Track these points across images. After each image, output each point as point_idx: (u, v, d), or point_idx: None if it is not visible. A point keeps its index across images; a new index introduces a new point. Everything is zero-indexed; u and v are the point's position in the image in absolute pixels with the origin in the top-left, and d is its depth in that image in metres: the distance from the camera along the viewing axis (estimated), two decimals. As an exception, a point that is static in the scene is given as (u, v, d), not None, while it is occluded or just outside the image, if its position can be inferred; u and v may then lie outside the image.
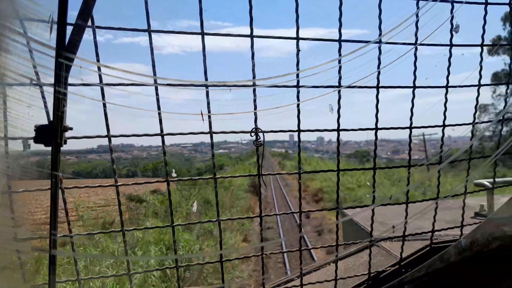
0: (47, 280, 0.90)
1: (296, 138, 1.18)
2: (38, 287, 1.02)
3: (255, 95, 1.01)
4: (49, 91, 0.87)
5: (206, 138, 1.11)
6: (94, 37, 0.92)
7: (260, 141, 1.10)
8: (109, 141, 1.02)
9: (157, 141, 1.09)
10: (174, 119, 0.95)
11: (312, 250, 11.55)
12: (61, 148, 0.85)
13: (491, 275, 1.23)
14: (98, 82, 0.93)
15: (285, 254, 11.83)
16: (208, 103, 0.98)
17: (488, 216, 1.41)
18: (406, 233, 1.34)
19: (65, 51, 0.76)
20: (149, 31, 0.95)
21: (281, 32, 1.04)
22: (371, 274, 1.35)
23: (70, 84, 0.87)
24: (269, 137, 1.13)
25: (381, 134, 1.22)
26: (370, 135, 1.25)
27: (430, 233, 1.41)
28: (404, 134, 1.28)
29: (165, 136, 1.05)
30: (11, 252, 0.95)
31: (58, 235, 0.91)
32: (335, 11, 1.08)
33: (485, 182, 2.14)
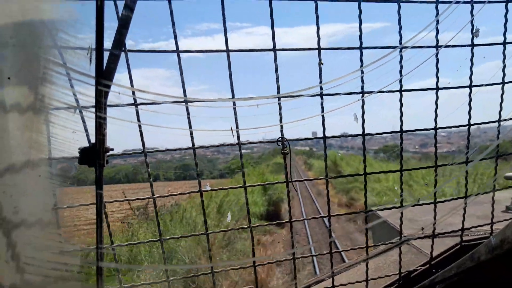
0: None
1: (319, 135, 1.21)
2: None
3: (280, 108, 1.05)
4: (87, 116, 0.94)
5: (229, 138, 1.14)
6: (127, 64, 0.98)
7: (287, 150, 1.13)
8: (145, 156, 1.08)
9: (180, 143, 1.14)
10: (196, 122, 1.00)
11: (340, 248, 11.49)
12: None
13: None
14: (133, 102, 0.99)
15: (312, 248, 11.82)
16: (236, 119, 1.02)
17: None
18: (436, 231, 1.35)
19: (103, 79, 0.82)
20: (177, 51, 1.00)
21: (301, 30, 1.08)
22: (402, 274, 1.37)
23: (108, 106, 0.93)
24: (291, 135, 1.16)
25: (408, 127, 1.22)
26: (396, 128, 1.26)
27: (460, 232, 1.41)
28: (431, 127, 1.28)
29: (189, 140, 1.11)
30: (60, 266, 1.02)
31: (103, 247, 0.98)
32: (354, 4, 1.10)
33: (515, 175, 2.10)
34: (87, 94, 0.85)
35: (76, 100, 0.91)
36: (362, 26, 1.10)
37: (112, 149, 0.90)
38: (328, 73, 1.08)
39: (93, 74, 0.81)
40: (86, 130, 0.95)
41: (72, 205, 1.09)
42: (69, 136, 0.86)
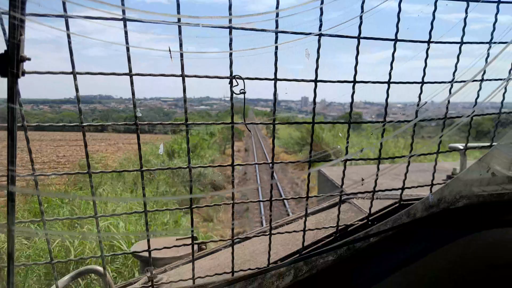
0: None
1: (280, 97, 1.15)
2: (-3, 225, 0.99)
3: (231, 34, 0.96)
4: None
5: (189, 93, 1.06)
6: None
7: (242, 89, 1.06)
8: (74, 78, 0.96)
9: (138, 94, 1.04)
10: (158, 70, 0.91)
11: (288, 206, 11.82)
12: (36, 97, 0.80)
13: (456, 229, 1.27)
14: (63, 13, 0.87)
15: (261, 204, 12.11)
16: (181, 40, 0.92)
17: (457, 175, 1.43)
18: (377, 190, 1.35)
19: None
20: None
21: None
22: (339, 227, 1.37)
23: (31, 14, 0.81)
24: (252, 95, 1.10)
25: (366, 97, 1.19)
26: (354, 97, 1.22)
27: (400, 190, 1.42)
28: (388, 98, 1.26)
29: (146, 89, 1.01)
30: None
31: (19, 173, 0.88)
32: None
33: (459, 145, 2.15)
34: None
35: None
36: None
37: (28, 59, 0.78)
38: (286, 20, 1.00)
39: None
40: (4, 36, 0.82)
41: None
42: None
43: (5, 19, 0.78)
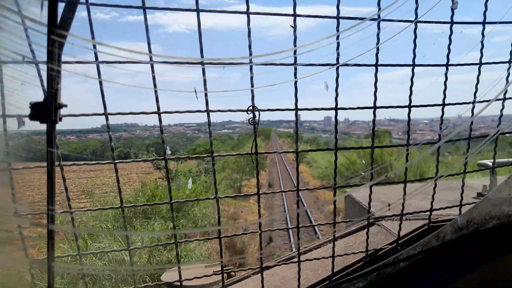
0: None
1: (303, 118, 1.18)
2: (38, 262, 1.04)
3: (251, 73, 1.01)
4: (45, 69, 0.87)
5: (212, 118, 1.11)
6: (88, 14, 0.92)
7: (255, 119, 1.10)
8: (106, 118, 1.02)
9: (162, 120, 1.09)
10: (181, 97, 0.96)
11: (317, 229, 11.66)
12: (63, 128, 0.86)
13: (487, 252, 1.24)
14: (95, 60, 0.93)
15: (290, 231, 11.99)
16: (205, 81, 0.97)
17: (486, 195, 1.40)
18: (405, 211, 1.34)
19: (57, 28, 0.76)
20: (144, 7, 0.94)
21: (289, 10, 1.03)
22: (369, 252, 1.37)
23: (65, 62, 0.88)
24: (275, 116, 1.13)
25: (391, 114, 1.21)
26: (379, 115, 1.24)
27: (429, 212, 1.41)
28: (414, 114, 1.26)
29: (170, 116, 1.06)
30: (11, 228, 0.98)
31: (58, 211, 0.93)
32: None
33: (488, 162, 2.11)
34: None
35: (32, 51, 0.84)
36: (351, 9, 1.06)
37: (65, 105, 0.84)
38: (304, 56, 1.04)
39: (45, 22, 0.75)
40: (42, 85, 0.89)
41: (28, 167, 1.04)
42: (18, 88, 0.80)
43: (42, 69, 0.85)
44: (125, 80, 0.90)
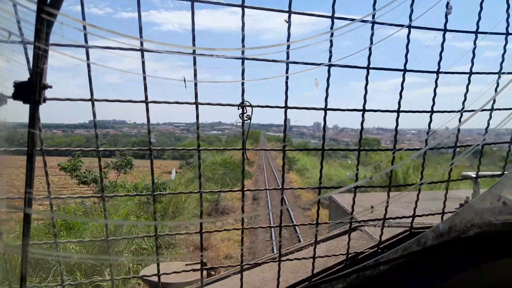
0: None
1: (292, 123, 1.17)
2: (12, 247, 1.01)
3: (243, 65, 1.00)
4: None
5: (201, 119, 1.09)
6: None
7: (248, 114, 1.09)
8: (93, 105, 1.00)
9: (151, 119, 1.08)
10: (172, 98, 0.94)
11: (299, 232, 11.65)
12: (49, 121, 0.84)
13: (468, 260, 1.25)
14: (84, 44, 0.91)
15: (272, 230, 11.95)
16: (195, 71, 0.96)
17: (468, 203, 1.41)
18: (387, 217, 1.35)
19: (47, 6, 0.74)
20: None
21: (285, 15, 1.03)
22: (350, 255, 1.37)
23: (54, 44, 0.86)
24: (265, 120, 1.12)
25: (378, 123, 1.21)
26: (368, 123, 1.24)
27: (411, 218, 1.41)
28: (402, 124, 1.27)
29: (159, 115, 1.05)
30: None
31: (36, 196, 0.91)
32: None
33: (471, 173, 2.13)
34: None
35: (20, 29, 0.82)
36: (348, 16, 1.06)
37: (50, 86, 0.82)
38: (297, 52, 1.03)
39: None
40: (28, 64, 0.87)
41: (8, 149, 1.01)
42: (1, 65, 0.78)
43: (29, 48, 0.83)
44: (116, 78, 0.89)
